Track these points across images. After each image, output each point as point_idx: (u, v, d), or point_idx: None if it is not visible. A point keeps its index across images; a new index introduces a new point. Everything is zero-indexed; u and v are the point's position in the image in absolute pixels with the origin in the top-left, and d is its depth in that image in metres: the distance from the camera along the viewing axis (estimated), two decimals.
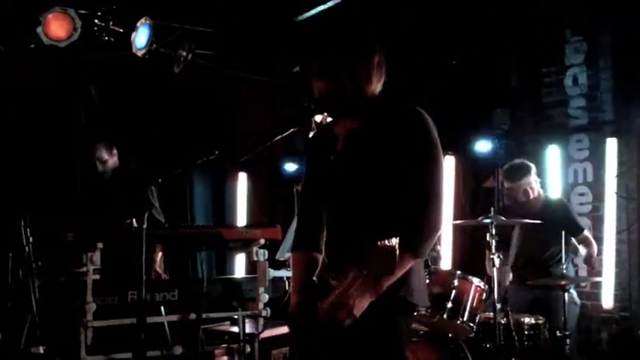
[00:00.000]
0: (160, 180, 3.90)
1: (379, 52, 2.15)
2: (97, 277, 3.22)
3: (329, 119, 2.34)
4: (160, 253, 4.44)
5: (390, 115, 2.11)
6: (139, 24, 4.59)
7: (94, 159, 4.41)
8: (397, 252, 1.84)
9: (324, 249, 2.24)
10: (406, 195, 2.04)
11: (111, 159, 4.49)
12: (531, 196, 4.37)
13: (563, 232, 4.02)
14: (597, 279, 4.65)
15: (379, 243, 1.85)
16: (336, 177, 2.17)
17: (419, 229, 2.02)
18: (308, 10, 5.05)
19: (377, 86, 2.16)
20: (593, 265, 4.37)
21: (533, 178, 4.40)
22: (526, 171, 4.37)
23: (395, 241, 1.84)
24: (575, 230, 4.35)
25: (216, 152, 2.47)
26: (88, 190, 4.57)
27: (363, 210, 2.10)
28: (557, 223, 4.16)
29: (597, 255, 4.47)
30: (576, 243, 4.37)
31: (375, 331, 2.02)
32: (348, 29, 2.18)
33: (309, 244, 2.28)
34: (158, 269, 4.36)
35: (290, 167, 6.25)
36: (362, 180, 2.10)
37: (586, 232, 4.45)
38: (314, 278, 2.20)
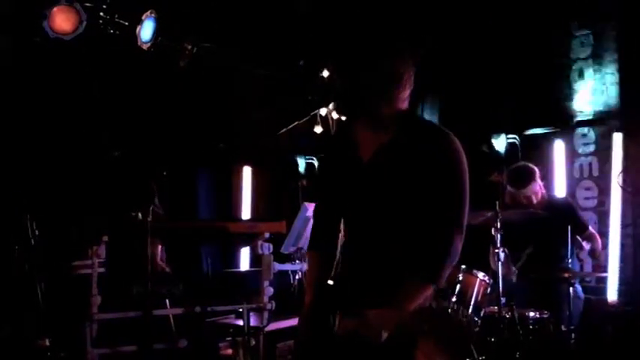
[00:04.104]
0: (164, 174, 3.92)
1: (412, 62, 2.10)
2: (102, 270, 3.23)
3: (342, 118, 2.31)
4: (160, 246, 4.45)
5: (423, 136, 2.07)
6: (144, 17, 4.58)
7: None
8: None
9: (342, 253, 2.23)
10: (430, 220, 2.03)
11: None
12: (534, 201, 4.36)
13: (569, 229, 4.00)
14: (602, 274, 4.64)
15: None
16: (362, 188, 2.12)
17: (440, 259, 2.02)
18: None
19: (406, 96, 2.11)
20: (598, 258, 4.36)
21: (537, 184, 4.38)
22: (530, 177, 4.33)
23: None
24: (581, 229, 4.34)
25: (221, 145, 2.46)
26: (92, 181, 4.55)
27: (386, 226, 2.08)
28: (563, 224, 4.14)
29: (602, 249, 4.46)
30: (581, 240, 4.36)
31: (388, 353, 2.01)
32: (381, 31, 2.11)
33: (326, 244, 2.27)
34: (160, 262, 4.36)
35: (295, 162, 6.26)
36: (389, 197, 2.07)
37: (591, 229, 4.44)
38: (329, 281, 2.19)
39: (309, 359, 2.21)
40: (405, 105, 2.12)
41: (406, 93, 2.10)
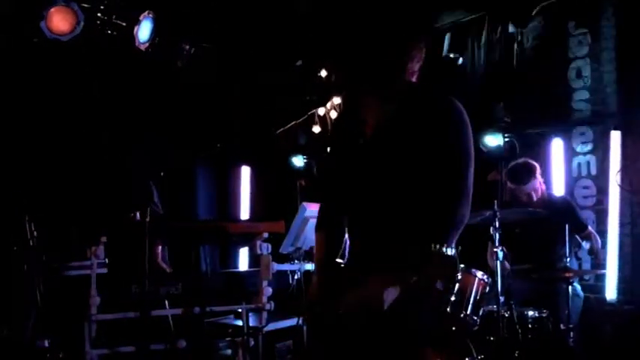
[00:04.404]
0: (162, 174, 3.92)
1: (421, 37, 2.12)
2: (101, 270, 3.23)
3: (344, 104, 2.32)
4: (160, 247, 4.44)
5: (424, 104, 2.09)
6: (141, 18, 4.58)
7: None
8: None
9: (349, 230, 2.22)
10: (435, 184, 2.02)
11: None
12: (535, 198, 4.36)
13: (567, 228, 4.01)
14: (601, 272, 4.65)
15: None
16: (365, 162, 2.14)
17: (445, 221, 2.01)
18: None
19: (415, 69, 2.13)
20: (597, 256, 4.37)
21: (537, 181, 4.38)
22: (531, 174, 4.34)
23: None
24: (580, 228, 4.34)
25: (218, 145, 2.48)
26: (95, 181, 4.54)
27: (392, 196, 2.08)
28: (562, 223, 4.14)
29: (601, 248, 4.47)
30: (580, 239, 4.36)
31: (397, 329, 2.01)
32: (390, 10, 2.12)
33: (333, 224, 2.27)
34: (160, 262, 4.36)
35: (293, 161, 6.26)
36: (392, 166, 2.07)
37: (590, 228, 4.44)
38: (337, 260, 2.20)
39: (318, 338, 2.21)
40: (413, 78, 2.14)
41: (415, 66, 2.13)
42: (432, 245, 1.98)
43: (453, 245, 2.05)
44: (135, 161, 4.62)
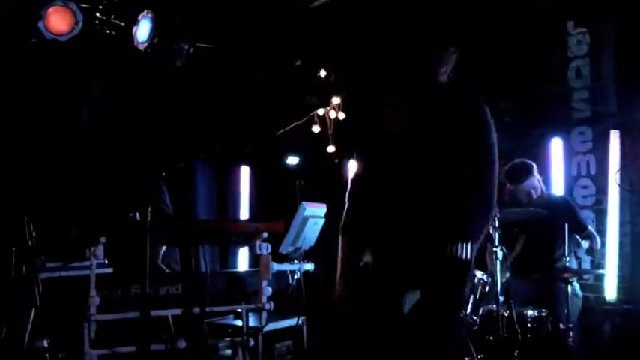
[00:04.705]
0: (163, 174, 3.91)
1: (451, 45, 2.41)
2: (101, 270, 3.23)
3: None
4: (164, 247, 4.44)
5: (452, 100, 2.33)
6: (140, 17, 4.58)
7: None
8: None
9: (375, 229, 2.32)
10: (462, 177, 2.22)
11: None
12: (534, 196, 4.36)
13: (566, 228, 4.01)
14: (600, 271, 4.65)
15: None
16: (395, 156, 2.30)
17: (475, 210, 2.20)
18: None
19: (444, 71, 2.40)
20: (595, 255, 4.38)
21: (535, 179, 4.39)
22: (528, 172, 4.36)
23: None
24: (580, 228, 4.35)
25: (217, 145, 2.53)
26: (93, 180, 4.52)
27: (421, 189, 2.23)
28: (562, 222, 4.14)
29: (600, 248, 4.48)
30: (579, 238, 4.36)
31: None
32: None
33: (358, 229, 2.36)
34: (160, 264, 4.35)
35: (293, 161, 6.26)
36: (421, 159, 2.25)
37: (590, 229, 4.45)
38: (360, 264, 2.25)
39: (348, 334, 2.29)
40: (444, 78, 2.42)
41: (444, 69, 2.42)
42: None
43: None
44: (134, 161, 4.61)
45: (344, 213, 2.46)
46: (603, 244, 4.71)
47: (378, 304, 2.14)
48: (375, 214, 2.33)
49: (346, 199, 2.52)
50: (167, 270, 4.30)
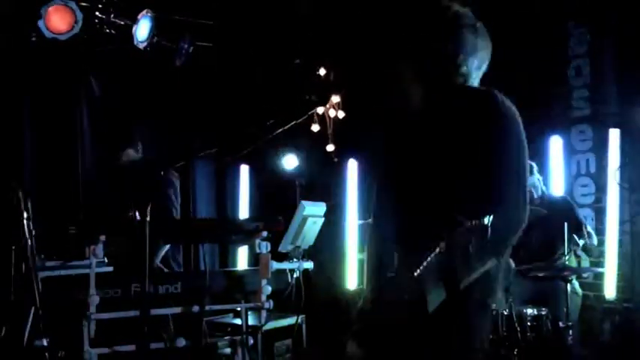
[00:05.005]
0: (161, 173, 3.91)
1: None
2: (101, 269, 3.23)
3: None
4: (167, 246, 4.41)
5: (468, 99, 2.20)
6: (140, 16, 4.57)
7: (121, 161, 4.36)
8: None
9: (399, 235, 2.25)
10: (488, 175, 2.08)
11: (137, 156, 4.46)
12: (535, 195, 4.37)
13: (566, 227, 4.01)
14: (599, 270, 4.65)
15: (470, 222, 1.89)
16: (416, 157, 2.21)
17: (504, 209, 2.07)
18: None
19: (460, 72, 2.26)
20: (591, 254, 4.39)
21: (535, 178, 4.38)
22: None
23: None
24: (579, 228, 4.35)
25: (217, 144, 2.49)
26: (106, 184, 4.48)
27: (445, 191, 2.11)
28: (561, 221, 4.14)
29: (598, 246, 4.48)
30: (576, 237, 4.36)
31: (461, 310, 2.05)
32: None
33: (385, 235, 2.29)
34: (159, 264, 4.33)
35: (292, 160, 6.25)
36: (443, 160, 2.13)
37: (589, 228, 4.45)
38: (389, 274, 2.22)
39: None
40: (460, 80, 2.28)
41: (462, 69, 2.26)
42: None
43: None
44: (133, 160, 4.60)
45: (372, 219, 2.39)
46: (602, 243, 4.71)
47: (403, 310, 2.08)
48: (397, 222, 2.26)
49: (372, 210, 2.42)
50: (165, 269, 4.30)
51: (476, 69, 2.32)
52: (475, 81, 2.32)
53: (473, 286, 1.98)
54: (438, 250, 1.93)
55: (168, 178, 4.43)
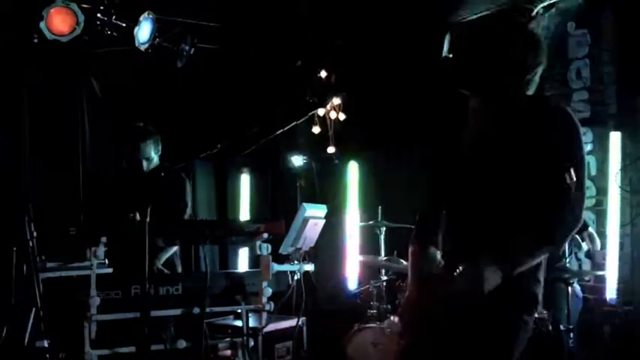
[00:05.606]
0: (162, 174, 3.91)
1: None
2: (101, 271, 3.23)
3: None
4: (175, 248, 4.40)
5: (537, 113, 2.21)
6: (141, 18, 4.58)
7: (140, 156, 4.37)
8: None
9: (449, 240, 2.30)
10: (548, 183, 2.09)
11: (156, 157, 4.47)
12: None
13: None
14: (600, 273, 4.65)
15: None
16: (475, 169, 2.23)
17: (558, 219, 2.09)
18: None
19: (520, 82, 2.27)
20: (596, 258, 4.37)
21: None
22: None
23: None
24: (580, 229, 4.34)
25: (218, 146, 2.49)
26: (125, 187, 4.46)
27: (501, 196, 2.15)
28: None
29: (601, 249, 4.47)
30: (580, 240, 4.36)
31: (499, 323, 2.19)
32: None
33: (431, 236, 2.34)
34: (160, 266, 4.32)
35: (293, 161, 6.26)
36: (503, 173, 2.17)
37: (590, 229, 4.44)
38: (433, 272, 2.25)
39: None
40: (521, 90, 2.28)
41: (522, 79, 2.26)
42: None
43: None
44: (133, 160, 4.60)
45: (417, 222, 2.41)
46: (604, 246, 4.71)
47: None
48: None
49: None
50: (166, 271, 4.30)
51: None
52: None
53: (512, 303, 2.13)
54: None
55: (184, 178, 4.44)
